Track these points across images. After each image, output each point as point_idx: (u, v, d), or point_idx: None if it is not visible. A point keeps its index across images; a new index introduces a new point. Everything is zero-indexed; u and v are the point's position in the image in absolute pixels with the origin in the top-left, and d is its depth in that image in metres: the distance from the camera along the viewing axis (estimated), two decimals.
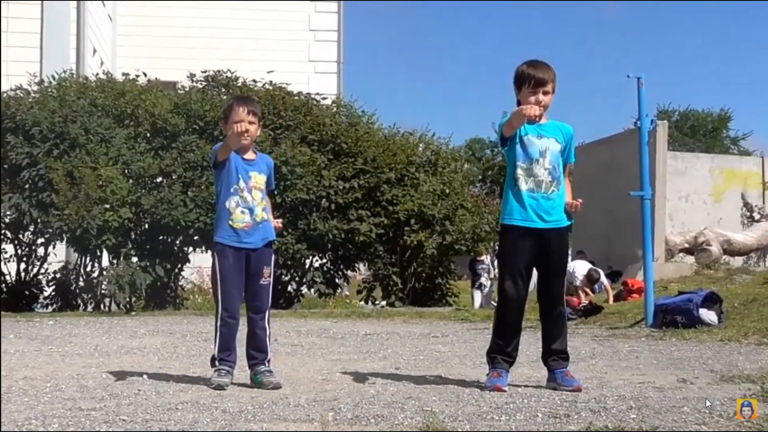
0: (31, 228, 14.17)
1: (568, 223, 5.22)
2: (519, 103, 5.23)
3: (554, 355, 5.17)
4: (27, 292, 14.40)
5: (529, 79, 5.12)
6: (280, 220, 5.57)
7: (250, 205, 5.28)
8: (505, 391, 4.93)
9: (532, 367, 6.03)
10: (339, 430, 3.97)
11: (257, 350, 5.31)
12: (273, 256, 5.44)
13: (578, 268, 13.82)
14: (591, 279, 13.74)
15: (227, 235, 5.27)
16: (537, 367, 5.68)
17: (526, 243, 5.11)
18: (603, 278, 13.88)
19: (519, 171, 5.13)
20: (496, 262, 14.42)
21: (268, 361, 5.32)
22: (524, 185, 5.12)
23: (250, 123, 5.29)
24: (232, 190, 5.27)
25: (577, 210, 5.19)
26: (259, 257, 5.32)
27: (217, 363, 5.25)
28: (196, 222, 13.47)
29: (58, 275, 14.53)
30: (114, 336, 8.74)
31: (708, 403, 4.85)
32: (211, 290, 5.56)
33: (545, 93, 5.14)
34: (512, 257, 5.14)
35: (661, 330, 8.68)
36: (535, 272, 5.25)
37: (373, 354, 7.22)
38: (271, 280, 5.38)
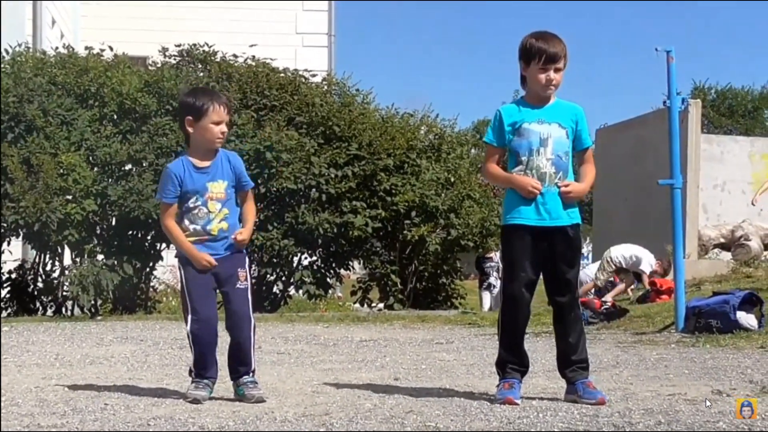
0: None
1: (578, 221, 5.23)
2: (524, 80, 5.25)
3: (573, 365, 5.19)
4: None
5: (540, 54, 5.12)
6: (242, 233, 5.36)
7: (203, 222, 5.31)
8: (517, 404, 4.95)
9: (548, 377, 6.05)
10: None
11: (239, 362, 5.32)
12: (247, 260, 5.45)
13: (643, 253, 14.25)
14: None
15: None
16: (553, 377, 5.70)
17: (532, 243, 5.13)
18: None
19: (521, 165, 5.17)
20: None
21: (253, 372, 5.34)
22: None
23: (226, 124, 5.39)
24: (184, 209, 5.33)
25: (569, 194, 5.12)
26: (230, 261, 5.34)
27: (194, 377, 5.28)
28: None
29: (13, 275, 14.53)
30: (77, 343, 8.75)
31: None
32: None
33: (557, 70, 5.15)
34: (516, 259, 5.16)
35: (693, 335, 8.70)
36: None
37: (370, 363, 7.24)
38: (249, 284, 5.39)
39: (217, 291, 5.37)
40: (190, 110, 5.33)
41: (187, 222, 5.33)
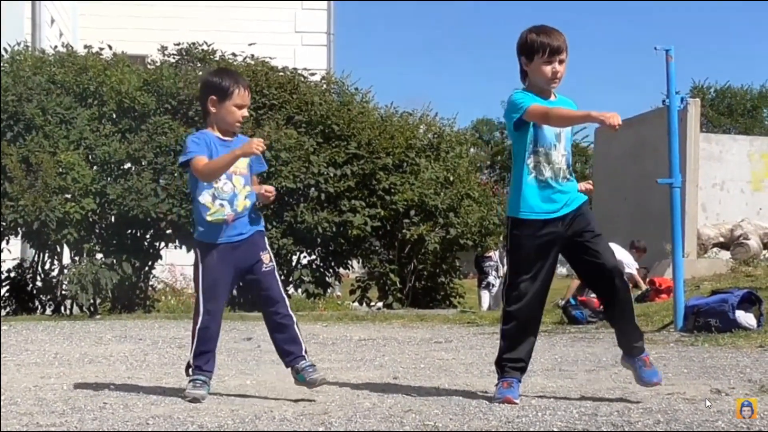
0: None
1: (585, 198, 5.25)
2: (525, 75, 5.23)
3: (632, 339, 5.21)
4: None
5: (544, 48, 5.11)
6: (268, 188, 5.47)
7: (229, 196, 5.26)
8: (516, 403, 4.95)
9: (547, 376, 6.05)
10: None
11: (291, 343, 5.31)
12: (267, 241, 5.46)
13: (624, 256, 14.39)
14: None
15: (206, 233, 5.28)
16: (552, 376, 5.71)
17: (545, 235, 5.10)
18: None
19: (538, 157, 5.12)
20: (505, 259, 14.66)
21: (307, 353, 5.33)
22: (543, 173, 5.12)
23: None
24: (207, 183, 5.25)
25: (591, 193, 5.25)
26: (252, 245, 5.34)
27: (191, 371, 5.25)
28: (169, 214, 13.46)
29: (12, 274, 14.51)
30: (76, 342, 8.75)
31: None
32: (190, 290, 5.59)
33: (561, 62, 5.16)
34: (528, 252, 5.11)
35: (692, 334, 8.70)
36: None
37: (369, 362, 7.24)
38: (274, 265, 5.41)
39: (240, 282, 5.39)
40: (216, 90, 5.33)
41: (210, 198, 5.24)
